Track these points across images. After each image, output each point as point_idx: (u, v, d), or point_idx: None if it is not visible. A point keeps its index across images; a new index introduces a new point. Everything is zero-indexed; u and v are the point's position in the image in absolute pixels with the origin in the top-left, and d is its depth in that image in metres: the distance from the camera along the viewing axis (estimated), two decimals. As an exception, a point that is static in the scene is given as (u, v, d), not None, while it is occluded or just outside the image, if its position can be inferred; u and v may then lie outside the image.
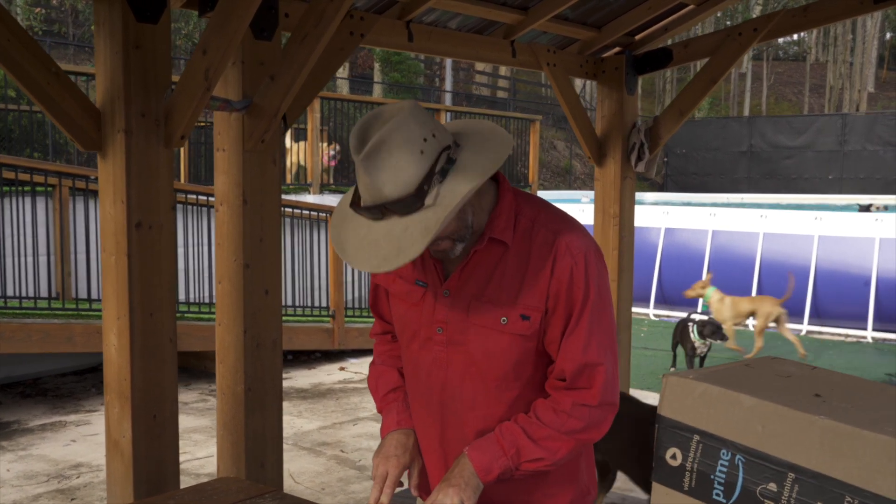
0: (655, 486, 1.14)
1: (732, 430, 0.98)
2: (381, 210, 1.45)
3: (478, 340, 1.61)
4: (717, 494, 0.99)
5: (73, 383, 6.67)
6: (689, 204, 13.26)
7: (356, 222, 1.52)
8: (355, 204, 1.50)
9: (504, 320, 1.58)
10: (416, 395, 1.76)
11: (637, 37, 4.82)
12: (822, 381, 1.08)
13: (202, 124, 9.72)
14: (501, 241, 1.59)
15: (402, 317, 1.72)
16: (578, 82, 24.08)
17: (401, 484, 1.73)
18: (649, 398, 6.41)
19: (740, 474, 0.96)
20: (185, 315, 6.53)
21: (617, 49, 4.86)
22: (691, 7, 4.52)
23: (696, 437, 1.02)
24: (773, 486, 0.93)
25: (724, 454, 0.99)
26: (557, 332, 1.59)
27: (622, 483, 4.54)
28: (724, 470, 0.98)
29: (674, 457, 1.05)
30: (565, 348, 1.58)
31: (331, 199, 9.56)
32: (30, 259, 6.08)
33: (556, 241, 1.59)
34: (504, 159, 1.52)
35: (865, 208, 12.41)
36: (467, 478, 1.57)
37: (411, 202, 1.43)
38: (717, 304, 7.91)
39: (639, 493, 4.37)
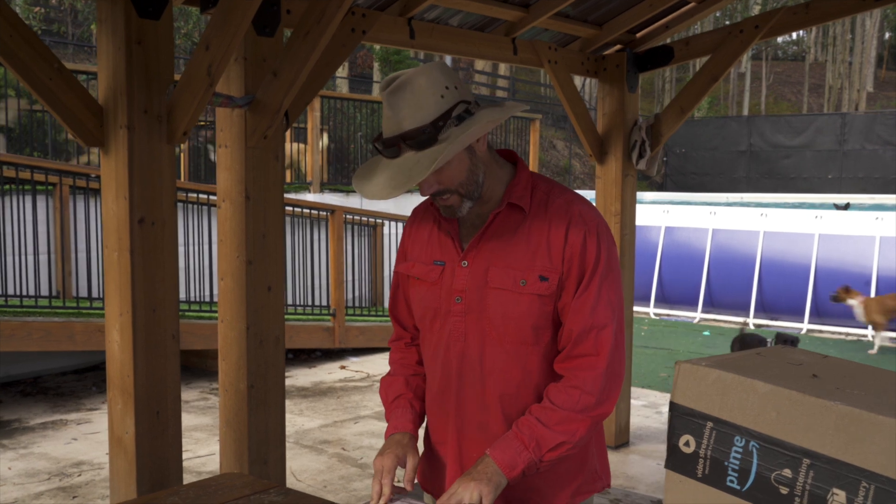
0: (669, 473, 1.13)
1: (746, 416, 0.98)
2: (398, 145, 1.57)
3: (496, 304, 1.66)
4: (731, 481, 0.99)
5: (73, 382, 6.66)
6: (688, 203, 13.27)
7: (375, 166, 1.65)
8: (377, 140, 1.62)
9: (523, 282, 1.65)
10: (434, 377, 1.78)
11: (638, 34, 4.82)
12: (835, 369, 1.08)
13: (202, 123, 9.72)
14: (519, 207, 1.68)
15: (422, 299, 1.77)
16: (577, 81, 24.07)
17: (402, 490, 1.72)
18: (650, 396, 6.42)
19: (754, 461, 0.96)
20: (186, 313, 6.53)
21: (618, 46, 4.86)
22: (692, 4, 4.52)
23: (710, 424, 1.02)
24: (787, 472, 0.93)
25: (737, 441, 0.99)
26: (570, 296, 1.65)
27: (624, 481, 4.54)
28: (738, 456, 0.98)
29: (687, 444, 1.06)
30: (574, 309, 1.63)
31: (331, 198, 9.55)
32: (30, 257, 6.07)
33: (569, 210, 1.68)
34: (512, 114, 1.65)
35: (843, 207, 12.36)
36: (490, 474, 1.58)
37: (426, 136, 1.55)
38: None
39: (640, 490, 4.37)
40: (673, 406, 1.07)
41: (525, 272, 1.65)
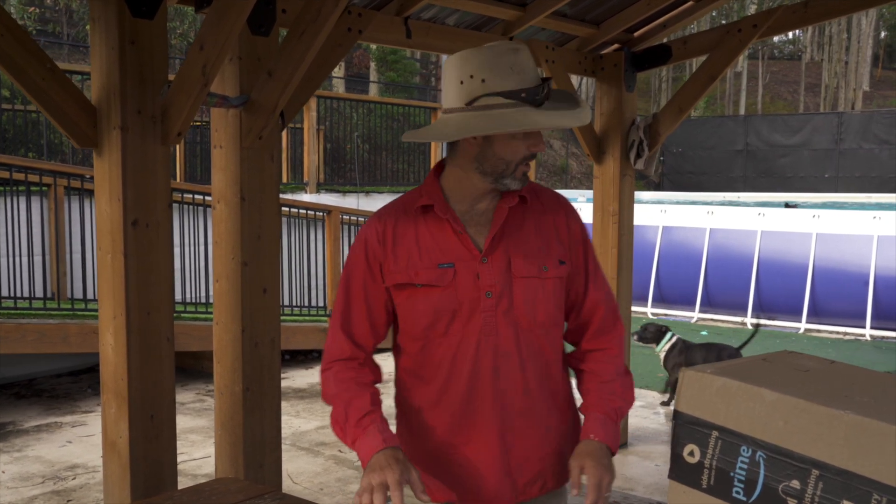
0: (672, 484, 1.11)
1: (753, 425, 0.95)
2: (545, 92, 1.66)
3: (523, 293, 1.74)
4: (737, 492, 0.97)
5: (68, 384, 6.63)
6: (686, 202, 13.25)
7: (526, 114, 1.65)
8: (524, 92, 1.64)
9: (545, 268, 1.75)
10: (455, 379, 1.74)
11: (636, 33, 4.80)
12: (843, 376, 1.05)
13: (197, 123, 9.68)
14: (524, 199, 1.79)
15: (433, 305, 1.72)
16: (574, 80, 24.03)
17: None
18: (648, 396, 6.40)
19: (761, 471, 0.94)
20: (182, 315, 6.49)
21: (616, 46, 4.84)
22: (690, 3, 4.50)
23: (715, 434, 1.00)
24: (796, 484, 0.90)
25: (744, 451, 0.96)
26: (581, 279, 1.82)
27: (622, 482, 4.52)
28: (745, 467, 0.96)
29: (691, 454, 1.03)
30: (595, 288, 1.82)
31: (327, 198, 9.52)
32: (25, 259, 6.04)
33: (559, 199, 1.85)
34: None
35: (794, 205, 12.21)
36: (610, 461, 1.67)
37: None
38: None
39: (639, 492, 4.35)
40: (677, 414, 1.05)
41: (545, 258, 1.75)
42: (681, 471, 1.07)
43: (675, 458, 1.07)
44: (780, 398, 0.94)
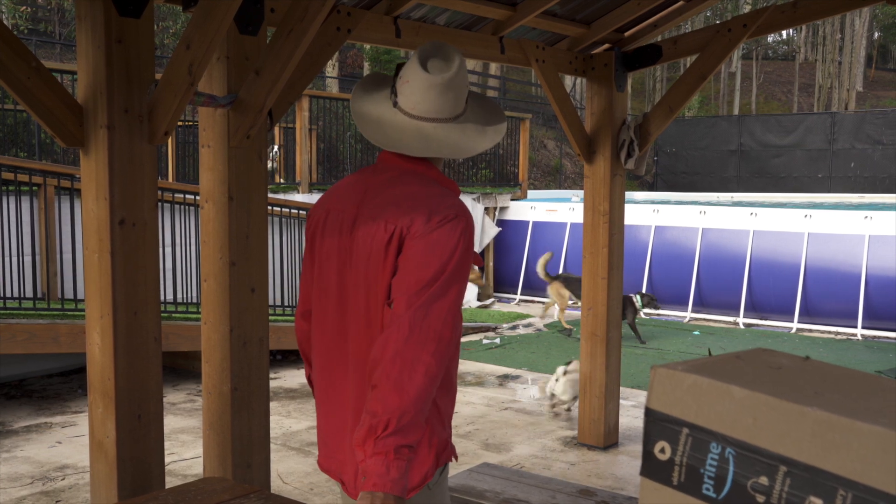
0: (644, 481, 1.11)
1: (723, 422, 0.96)
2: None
3: None
4: (707, 489, 0.97)
5: (58, 384, 6.61)
6: (679, 202, 13.27)
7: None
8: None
9: None
10: None
11: (627, 33, 4.80)
12: (815, 373, 1.06)
13: (189, 123, 9.65)
14: None
15: None
16: (569, 82, 24.06)
17: None
18: (640, 396, 6.40)
19: (731, 468, 0.94)
20: (173, 315, 6.48)
21: (606, 45, 4.84)
22: (680, 3, 4.51)
23: (686, 431, 1.00)
24: (764, 480, 0.91)
25: (714, 447, 0.97)
26: None
27: (613, 482, 4.53)
28: (715, 464, 0.96)
29: (662, 451, 1.04)
30: None
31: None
32: (14, 259, 6.01)
33: None
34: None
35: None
36: None
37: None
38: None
39: (629, 491, 4.35)
40: (648, 412, 1.05)
41: None
42: (652, 468, 1.08)
43: (647, 455, 1.08)
44: (750, 395, 0.95)
